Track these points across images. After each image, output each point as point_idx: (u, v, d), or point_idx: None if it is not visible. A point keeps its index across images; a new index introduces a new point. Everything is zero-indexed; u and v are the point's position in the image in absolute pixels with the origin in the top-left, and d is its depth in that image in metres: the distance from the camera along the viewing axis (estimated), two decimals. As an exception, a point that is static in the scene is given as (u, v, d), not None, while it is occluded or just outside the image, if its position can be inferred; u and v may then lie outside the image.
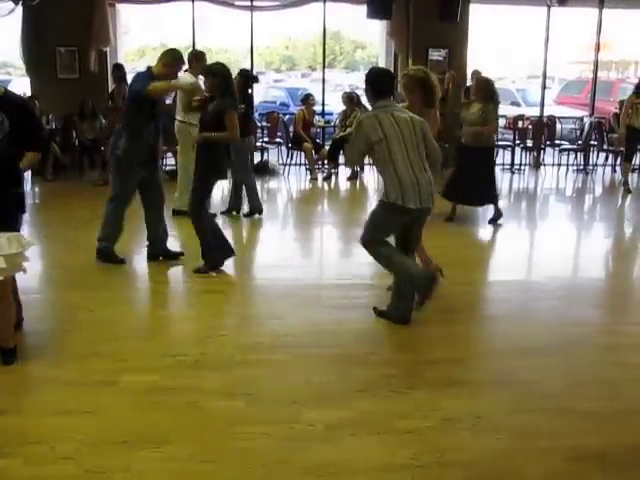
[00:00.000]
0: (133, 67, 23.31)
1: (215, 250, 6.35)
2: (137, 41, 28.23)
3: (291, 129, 12.42)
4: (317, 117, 12.74)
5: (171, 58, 6.31)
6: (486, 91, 8.42)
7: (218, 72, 6.15)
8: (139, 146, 6.29)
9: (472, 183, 8.29)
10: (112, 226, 6.57)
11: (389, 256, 5.11)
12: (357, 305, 5.47)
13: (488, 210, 8.87)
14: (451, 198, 8.54)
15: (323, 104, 13.54)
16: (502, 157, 13.13)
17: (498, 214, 8.59)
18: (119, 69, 11.36)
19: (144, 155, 6.34)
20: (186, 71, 8.37)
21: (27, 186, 10.72)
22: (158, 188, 6.66)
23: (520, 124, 13.32)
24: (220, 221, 8.46)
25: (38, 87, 11.85)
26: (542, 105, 14.29)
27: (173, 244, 6.95)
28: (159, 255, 6.70)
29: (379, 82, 5.14)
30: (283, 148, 12.61)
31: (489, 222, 8.59)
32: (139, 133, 6.27)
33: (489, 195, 8.60)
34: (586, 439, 3.65)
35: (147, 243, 6.73)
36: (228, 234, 6.86)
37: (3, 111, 4.22)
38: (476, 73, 12.37)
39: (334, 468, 3.34)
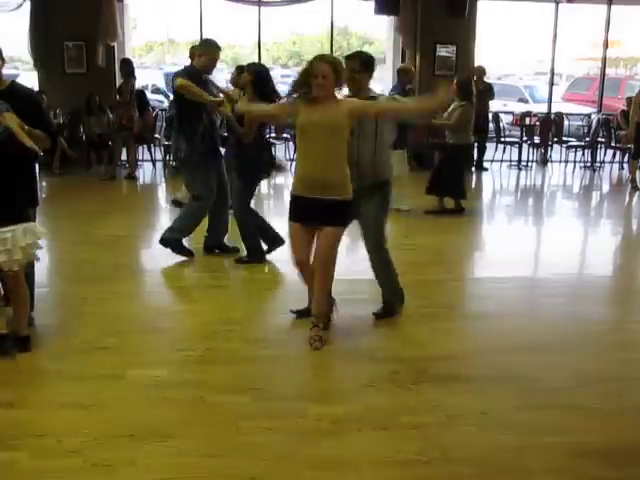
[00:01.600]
0: (141, 62, 23.36)
1: (258, 245, 6.50)
2: (145, 36, 28.29)
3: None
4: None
5: (202, 47, 6.41)
6: (463, 90, 8.47)
7: (251, 70, 6.28)
8: (199, 142, 6.30)
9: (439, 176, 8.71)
10: (189, 221, 6.60)
11: (391, 261, 5.24)
12: (362, 300, 5.47)
13: (493, 206, 8.87)
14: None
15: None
16: (509, 154, 13.13)
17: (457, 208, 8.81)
18: (127, 64, 11.37)
19: (207, 148, 6.37)
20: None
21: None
22: (222, 181, 6.69)
23: (527, 121, 13.27)
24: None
25: (46, 81, 11.87)
26: (550, 102, 14.26)
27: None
28: (214, 248, 6.78)
29: None
30: (290, 144, 12.60)
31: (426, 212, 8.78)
32: (194, 130, 6.28)
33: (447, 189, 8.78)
34: (591, 436, 3.65)
35: (205, 234, 6.79)
36: (231, 229, 6.87)
37: (9, 101, 4.22)
38: (479, 69, 12.37)
39: (339, 463, 3.34)
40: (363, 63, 4.82)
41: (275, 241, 6.52)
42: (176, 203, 8.39)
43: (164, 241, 6.55)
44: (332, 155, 4.47)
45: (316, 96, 4.43)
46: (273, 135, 12.48)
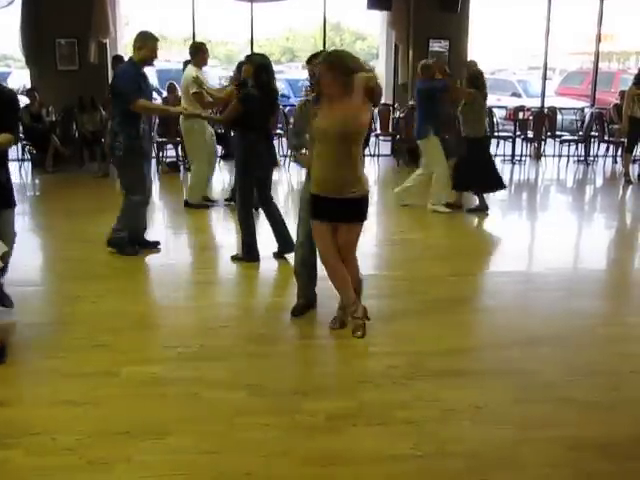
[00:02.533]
0: (133, 59, 23.04)
1: (254, 244, 6.47)
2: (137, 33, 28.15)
3: (291, 120, 12.40)
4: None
5: (140, 40, 6.34)
6: (474, 82, 8.46)
7: (253, 62, 6.28)
8: (139, 141, 6.30)
9: (468, 172, 8.52)
10: (130, 219, 6.54)
11: None
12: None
13: (492, 202, 8.87)
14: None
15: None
16: (503, 148, 13.13)
17: (482, 205, 8.72)
18: (119, 60, 11.32)
19: (146, 147, 6.38)
20: (189, 63, 8.39)
21: (27, 178, 10.75)
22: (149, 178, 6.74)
23: (521, 115, 13.29)
24: (221, 210, 8.50)
25: (38, 79, 11.83)
26: (543, 96, 14.28)
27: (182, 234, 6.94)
28: (136, 243, 6.71)
29: None
30: (284, 139, 12.59)
31: (467, 211, 8.70)
32: (136, 129, 6.28)
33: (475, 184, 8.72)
34: (587, 429, 3.65)
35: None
36: (227, 224, 6.87)
37: None
38: (472, 63, 12.37)
39: (335, 458, 3.34)
40: None
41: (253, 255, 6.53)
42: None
43: (112, 243, 6.53)
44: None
45: None
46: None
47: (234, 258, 6.50)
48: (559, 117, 13.41)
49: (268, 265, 6.44)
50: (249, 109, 6.09)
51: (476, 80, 8.47)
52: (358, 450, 3.42)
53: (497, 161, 12.91)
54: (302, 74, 13.32)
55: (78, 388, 3.97)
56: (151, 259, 6.57)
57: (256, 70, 6.13)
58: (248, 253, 6.44)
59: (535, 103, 14.30)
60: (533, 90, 17.31)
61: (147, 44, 6.30)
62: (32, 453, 3.34)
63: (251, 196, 6.39)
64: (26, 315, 4.85)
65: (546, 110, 13.46)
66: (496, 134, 13.08)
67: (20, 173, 10.99)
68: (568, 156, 13.20)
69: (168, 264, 6.47)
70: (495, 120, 13.05)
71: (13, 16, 11.60)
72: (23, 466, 3.25)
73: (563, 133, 13.44)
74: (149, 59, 6.37)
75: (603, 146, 13.23)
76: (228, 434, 3.54)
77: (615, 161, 13.10)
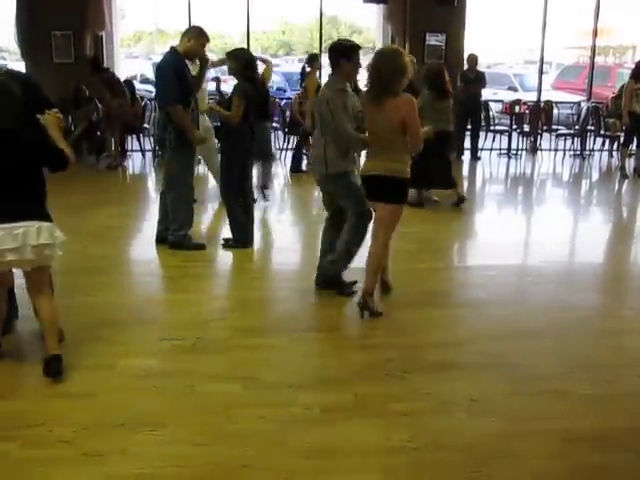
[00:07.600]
0: (129, 52, 23.15)
1: (243, 229, 6.56)
2: (133, 25, 28.13)
3: (287, 114, 12.40)
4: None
5: (195, 32, 6.24)
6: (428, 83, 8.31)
7: (239, 56, 6.36)
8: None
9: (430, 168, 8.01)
10: (181, 213, 6.49)
11: None
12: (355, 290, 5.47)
13: (483, 194, 8.90)
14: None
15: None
16: (499, 142, 13.15)
17: (460, 199, 8.63)
18: (95, 62, 11.33)
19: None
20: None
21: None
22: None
23: (517, 109, 13.30)
24: (217, 206, 8.49)
25: (33, 72, 11.77)
26: (539, 90, 14.29)
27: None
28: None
29: None
30: (280, 133, 12.58)
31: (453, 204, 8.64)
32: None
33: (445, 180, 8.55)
34: (581, 422, 3.67)
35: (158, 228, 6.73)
36: (223, 218, 6.88)
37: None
38: (471, 57, 12.38)
39: (330, 451, 3.35)
40: None
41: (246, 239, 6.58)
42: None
43: (173, 243, 6.49)
44: None
45: None
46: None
47: (224, 245, 6.56)
48: (555, 111, 13.42)
49: (264, 258, 6.44)
50: (247, 102, 6.16)
51: (428, 81, 8.31)
52: (353, 443, 3.42)
53: (493, 155, 13.01)
54: (298, 68, 13.26)
55: (74, 380, 3.97)
56: (146, 251, 6.56)
57: (246, 65, 6.20)
58: (236, 238, 6.49)
59: (531, 97, 14.30)
60: (529, 84, 17.34)
61: (197, 36, 6.18)
62: (29, 445, 3.34)
63: (234, 183, 6.44)
64: (22, 308, 4.85)
65: (542, 104, 13.46)
66: (492, 128, 13.11)
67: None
68: (564, 150, 13.22)
69: (164, 256, 6.46)
70: (491, 114, 13.08)
71: (8, 8, 11.58)
72: (19, 458, 3.25)
73: (559, 127, 13.46)
74: (195, 52, 6.28)
75: (599, 140, 13.25)
76: (223, 426, 3.55)
77: (611, 155, 13.13)
